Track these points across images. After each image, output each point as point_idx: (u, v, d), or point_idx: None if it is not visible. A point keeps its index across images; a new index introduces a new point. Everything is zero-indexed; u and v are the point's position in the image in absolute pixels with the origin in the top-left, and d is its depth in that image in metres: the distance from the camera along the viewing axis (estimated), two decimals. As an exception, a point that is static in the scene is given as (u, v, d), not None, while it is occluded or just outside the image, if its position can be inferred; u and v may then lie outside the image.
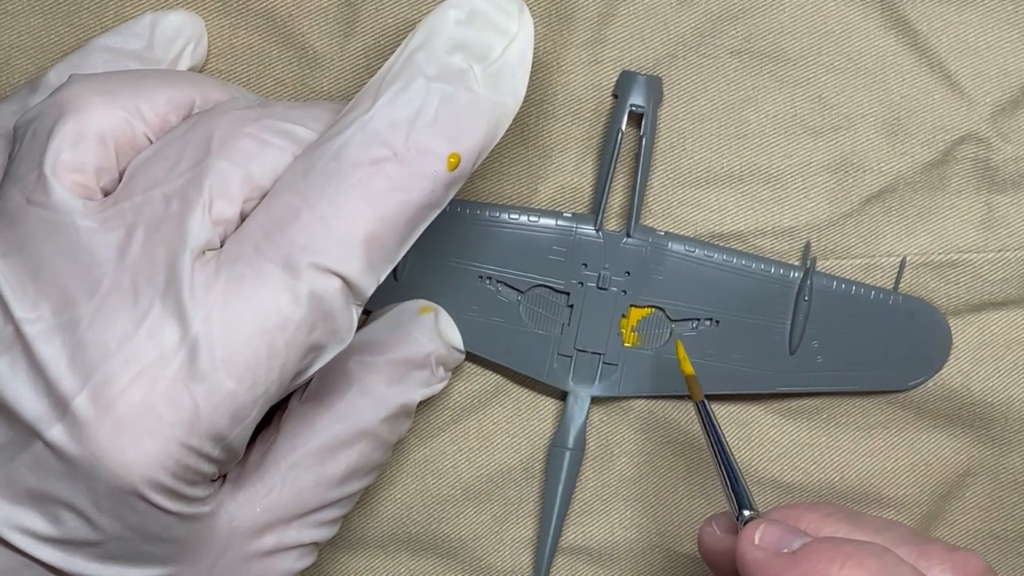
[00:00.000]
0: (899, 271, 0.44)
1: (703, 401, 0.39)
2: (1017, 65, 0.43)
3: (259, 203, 0.35)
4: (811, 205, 0.44)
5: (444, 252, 0.43)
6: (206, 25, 0.43)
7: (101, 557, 0.34)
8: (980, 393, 0.44)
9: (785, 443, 0.45)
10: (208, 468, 0.34)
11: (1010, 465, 0.45)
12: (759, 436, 0.45)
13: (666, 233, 0.43)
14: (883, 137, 0.44)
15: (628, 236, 0.43)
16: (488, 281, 0.43)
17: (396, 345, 0.41)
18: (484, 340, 0.43)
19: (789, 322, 0.43)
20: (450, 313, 0.43)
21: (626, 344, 0.43)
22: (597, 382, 0.44)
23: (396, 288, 0.43)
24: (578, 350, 0.43)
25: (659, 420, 0.45)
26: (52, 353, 0.33)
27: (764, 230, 0.44)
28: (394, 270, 0.43)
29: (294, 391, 0.40)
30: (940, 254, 0.44)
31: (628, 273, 0.43)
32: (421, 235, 0.36)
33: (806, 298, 0.43)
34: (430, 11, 0.36)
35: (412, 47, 0.36)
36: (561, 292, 0.43)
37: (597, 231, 0.43)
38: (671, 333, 0.43)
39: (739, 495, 0.37)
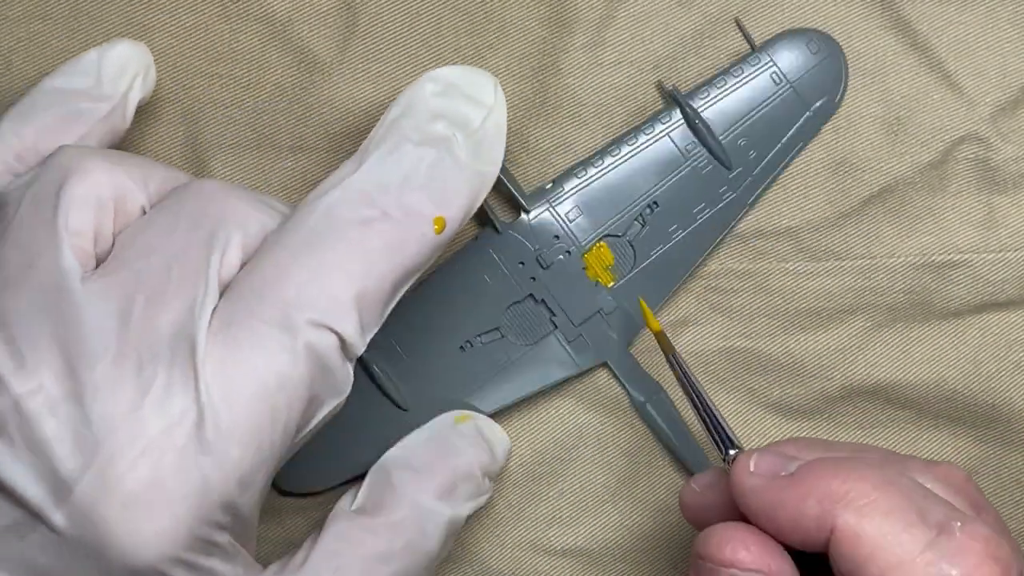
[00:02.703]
0: (741, 30, 0.43)
1: (674, 354, 0.40)
2: (1017, 65, 0.43)
3: (246, 264, 0.35)
4: (811, 205, 0.44)
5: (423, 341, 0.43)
6: (206, 29, 0.43)
7: None
8: (981, 394, 0.44)
9: (785, 444, 0.45)
10: (221, 538, 0.34)
11: (1011, 465, 0.45)
12: (759, 436, 0.45)
13: (553, 181, 0.43)
14: (883, 137, 0.44)
15: (526, 213, 0.43)
16: (469, 345, 0.43)
17: (441, 458, 0.41)
18: (511, 386, 0.43)
19: (705, 149, 0.43)
20: (472, 392, 0.43)
21: (608, 285, 0.44)
22: (615, 334, 0.44)
23: (407, 417, 0.43)
24: (578, 326, 0.44)
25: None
26: (55, 431, 0.32)
27: (764, 230, 0.44)
28: (399, 403, 0.43)
29: (343, 498, 0.40)
30: (940, 254, 0.44)
31: (556, 237, 0.43)
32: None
33: (696, 121, 0.43)
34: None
35: (394, 115, 0.37)
36: (526, 299, 0.43)
37: (500, 232, 0.43)
38: (631, 244, 0.43)
39: (724, 436, 0.38)
